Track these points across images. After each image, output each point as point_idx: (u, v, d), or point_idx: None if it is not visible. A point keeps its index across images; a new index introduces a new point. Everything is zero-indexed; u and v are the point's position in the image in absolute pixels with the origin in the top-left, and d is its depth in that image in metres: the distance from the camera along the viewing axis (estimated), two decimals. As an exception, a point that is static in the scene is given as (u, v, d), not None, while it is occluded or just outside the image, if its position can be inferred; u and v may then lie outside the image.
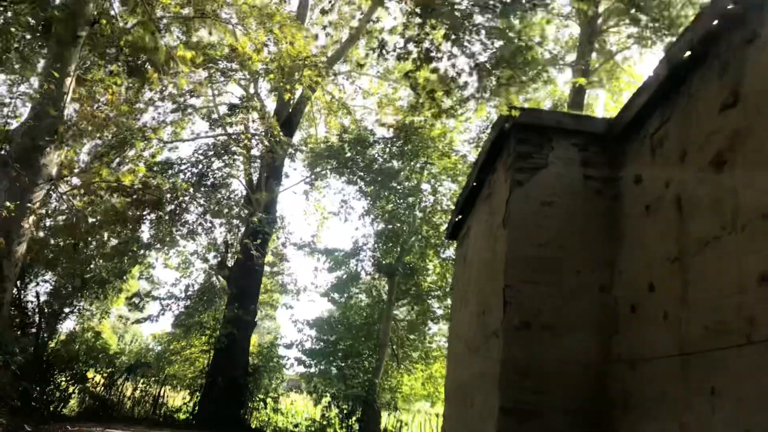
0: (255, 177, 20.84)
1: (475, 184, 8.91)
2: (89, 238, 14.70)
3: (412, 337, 22.97)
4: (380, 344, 21.31)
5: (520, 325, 6.33)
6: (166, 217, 16.17)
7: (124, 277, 17.38)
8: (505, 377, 6.20)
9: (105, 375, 16.63)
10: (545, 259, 6.53)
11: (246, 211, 19.48)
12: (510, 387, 6.17)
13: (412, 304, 22.94)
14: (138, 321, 19.55)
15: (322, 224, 24.54)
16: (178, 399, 19.02)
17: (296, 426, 19.41)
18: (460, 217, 10.68)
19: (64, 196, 12.30)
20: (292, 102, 21.58)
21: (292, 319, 22.13)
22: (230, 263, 20.62)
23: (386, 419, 19.34)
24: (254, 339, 21.68)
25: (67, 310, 16.12)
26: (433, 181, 22.65)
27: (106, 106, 11.54)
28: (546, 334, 6.27)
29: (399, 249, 21.69)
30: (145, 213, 14.62)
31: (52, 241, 14.91)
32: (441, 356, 23.28)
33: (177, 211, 17.41)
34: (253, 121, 17.43)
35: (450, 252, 22.59)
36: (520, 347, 6.25)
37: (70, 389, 15.50)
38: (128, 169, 13.26)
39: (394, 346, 22.43)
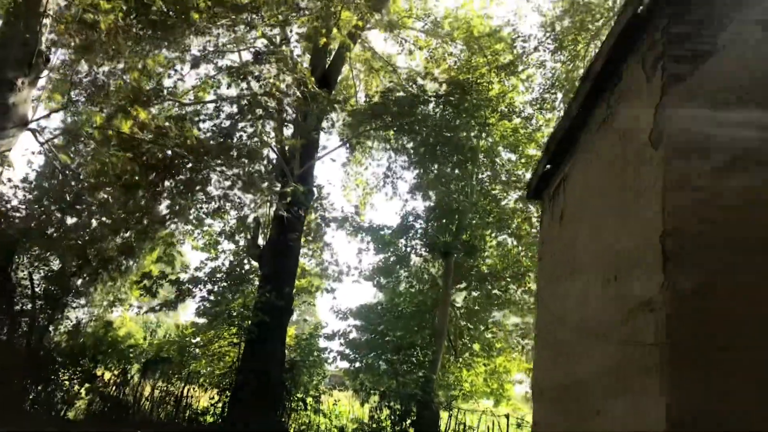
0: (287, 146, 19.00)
1: (578, 112, 6.90)
2: (83, 205, 13.01)
3: (471, 326, 20.92)
4: (436, 334, 19.38)
5: (694, 290, 4.33)
6: (181, 186, 14.41)
7: (136, 258, 15.75)
8: (670, 371, 4.22)
9: (117, 372, 15.09)
10: (729, 189, 4.51)
11: (278, 184, 17.70)
12: (679, 386, 4.21)
13: (472, 288, 20.89)
14: (152, 310, 18.00)
15: (364, 200, 22.63)
16: (204, 399, 17.44)
17: (341, 430, 17.66)
18: (548, 167, 8.67)
19: (45, 146, 10.65)
20: (328, 59, 19.71)
21: (334, 308, 19.42)
22: (262, 242, 18.93)
23: (446, 421, 17.42)
24: (291, 330, 19.97)
25: (70, 297, 14.56)
26: (492, 145, 20.50)
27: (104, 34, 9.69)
28: (735, 301, 4.28)
29: (455, 225, 19.65)
30: (156, 177, 12.77)
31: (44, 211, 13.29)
32: (507, 348, 21.26)
33: (197, 178, 15.68)
34: (283, 72, 15.54)
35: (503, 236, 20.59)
36: (694, 324, 4.27)
37: (76, 388, 13.97)
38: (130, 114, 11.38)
39: (451, 337, 20.45)
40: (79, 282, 14.43)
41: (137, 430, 13.66)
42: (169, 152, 12.74)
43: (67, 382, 14.07)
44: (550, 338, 7.96)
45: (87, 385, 14.37)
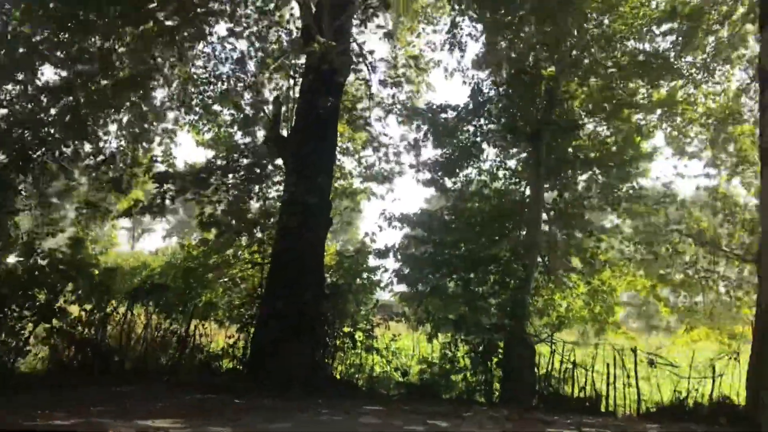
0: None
1: None
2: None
3: (569, 233, 16.17)
4: (526, 244, 14.78)
5: None
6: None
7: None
8: None
9: (91, 308, 10.93)
10: None
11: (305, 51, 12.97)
12: None
13: (571, 182, 16.06)
14: (127, 214, 13.60)
15: (418, 78, 17.65)
16: (221, 339, 13.31)
17: (405, 373, 13.38)
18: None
19: None
20: None
21: (385, 215, 14.62)
22: (285, 129, 14.36)
23: (547, 359, 13.00)
24: (332, 248, 15.57)
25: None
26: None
27: None
28: None
29: (547, 95, 14.71)
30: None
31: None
32: (615, 260, 16.55)
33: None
34: None
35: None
36: None
37: (29, 329, 9.87)
38: None
39: (543, 249, 15.79)
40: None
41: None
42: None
43: (15, 321, 9.89)
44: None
45: (45, 324, 10.18)
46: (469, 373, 13.28)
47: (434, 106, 16.48)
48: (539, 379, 13.30)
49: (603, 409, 12.72)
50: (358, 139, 16.66)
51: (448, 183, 17.06)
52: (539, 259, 16.28)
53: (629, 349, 12.81)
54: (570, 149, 15.78)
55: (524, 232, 15.75)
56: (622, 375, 12.83)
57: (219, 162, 14.62)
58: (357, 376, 13.61)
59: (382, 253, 14.92)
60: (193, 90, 15.31)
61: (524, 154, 16.42)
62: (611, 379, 12.76)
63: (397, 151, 17.03)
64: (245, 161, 14.48)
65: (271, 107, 14.97)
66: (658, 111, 17.06)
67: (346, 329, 13.83)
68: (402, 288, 15.63)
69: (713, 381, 12.33)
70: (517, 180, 16.76)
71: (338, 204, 16.85)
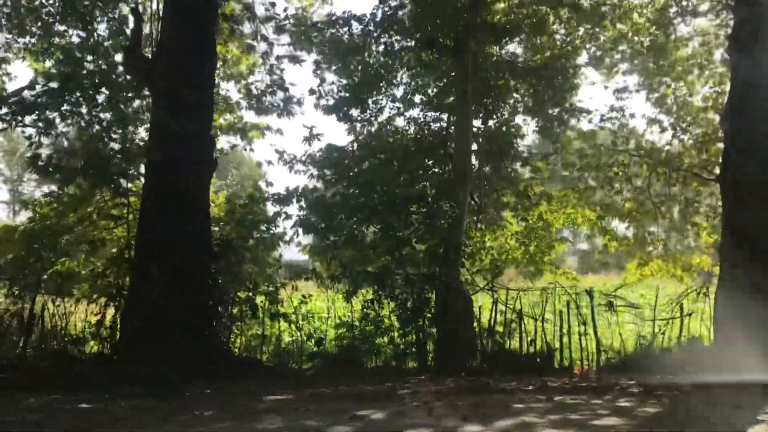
0: None
1: None
2: None
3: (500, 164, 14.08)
4: (456, 179, 12.59)
5: None
6: None
7: None
8: None
9: None
10: None
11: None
12: None
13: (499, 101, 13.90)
14: None
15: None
16: (79, 319, 10.50)
17: (319, 342, 11.03)
18: None
19: None
20: None
21: (284, 156, 11.90)
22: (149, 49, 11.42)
23: (489, 310, 11.01)
24: (219, 197, 12.85)
25: None
26: None
27: None
28: None
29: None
30: None
31: None
32: (553, 192, 14.69)
33: None
34: None
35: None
36: None
37: None
38: None
39: (471, 187, 13.65)
40: None
41: None
42: None
43: None
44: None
45: None
46: (397, 335, 11.09)
47: (334, 18, 13.81)
48: (480, 334, 11.31)
49: (557, 365, 10.90)
50: (244, 62, 13.73)
51: (356, 113, 14.54)
52: (472, 197, 14.22)
53: (584, 292, 10.97)
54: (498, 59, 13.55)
55: (451, 167, 13.53)
56: (577, 323, 11.01)
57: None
58: (262, 349, 11.14)
59: (282, 199, 12.29)
60: (25, 3, 12.04)
61: (445, 80, 14.09)
62: (565, 329, 10.92)
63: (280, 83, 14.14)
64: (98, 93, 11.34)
65: (132, 25, 11.97)
66: (581, 29, 15.03)
67: (242, 294, 11.27)
68: (309, 240, 13.16)
69: (681, 322, 10.69)
70: (439, 106, 14.46)
71: (226, 143, 14.06)
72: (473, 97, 13.53)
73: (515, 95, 14.59)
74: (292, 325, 11.14)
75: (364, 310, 11.20)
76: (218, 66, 13.12)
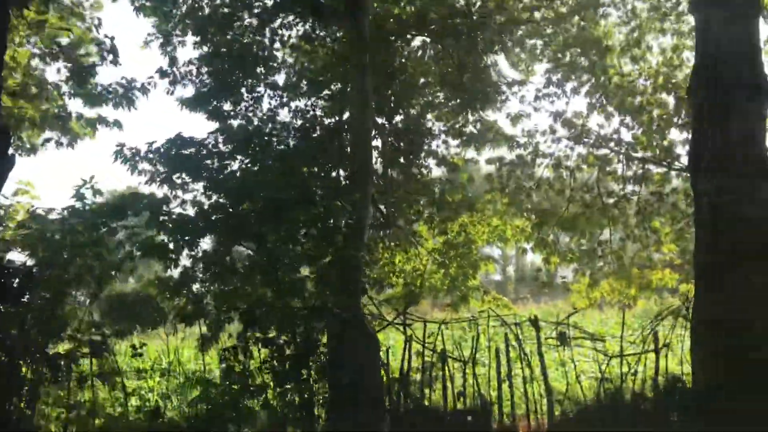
0: None
1: None
2: None
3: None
4: (353, 177, 9.63)
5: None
6: None
7: None
8: None
9: None
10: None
11: None
12: None
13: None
14: None
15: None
16: None
17: (157, 414, 7.67)
18: None
19: None
20: None
21: (123, 150, 8.31)
22: None
23: (401, 349, 8.04)
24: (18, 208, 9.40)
25: None
26: None
27: None
28: None
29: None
30: None
31: None
32: (476, 198, 11.89)
33: None
34: None
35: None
36: None
37: None
38: None
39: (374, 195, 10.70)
40: None
41: None
42: None
43: None
44: None
45: None
46: (272, 395, 7.85)
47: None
48: (390, 387, 8.24)
49: (496, 424, 7.95)
50: (67, 34, 10.29)
51: (228, 107, 11.36)
52: (372, 208, 11.26)
53: (528, 321, 8.11)
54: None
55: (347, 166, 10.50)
56: (520, 364, 8.13)
57: None
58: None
59: (115, 212, 8.87)
60: None
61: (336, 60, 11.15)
62: (504, 373, 8.02)
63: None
64: None
65: None
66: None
67: (62, 349, 7.84)
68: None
69: (657, 356, 7.97)
70: (329, 95, 11.48)
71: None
72: (373, 79, 10.70)
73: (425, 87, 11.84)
74: (113, 392, 7.69)
75: (226, 361, 7.93)
76: (34, 41, 9.77)
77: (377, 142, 11.30)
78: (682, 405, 7.65)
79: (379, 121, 11.87)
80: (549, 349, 8.82)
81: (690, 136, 9.16)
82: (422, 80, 12.04)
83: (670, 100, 11.39)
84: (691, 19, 10.86)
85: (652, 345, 8.03)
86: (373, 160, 11.68)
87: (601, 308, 17.11)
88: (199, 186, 9.39)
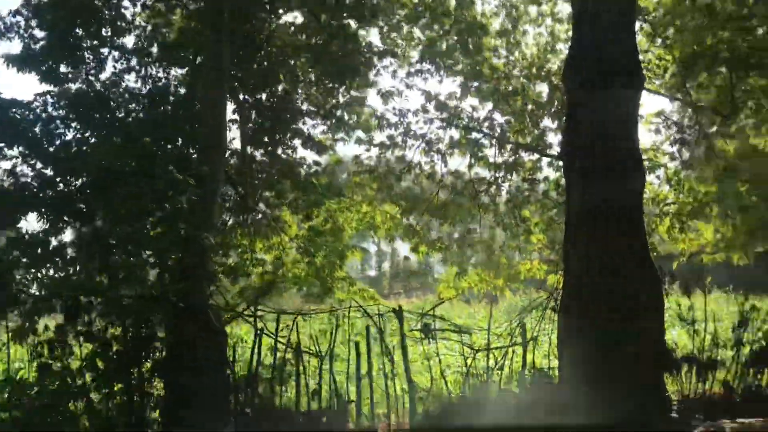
0: None
1: None
2: None
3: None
4: (203, 151, 8.59)
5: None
6: None
7: None
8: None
9: None
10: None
11: None
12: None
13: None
14: None
15: None
16: None
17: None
18: None
19: None
20: None
21: None
22: None
23: (251, 347, 7.17)
24: None
25: None
26: None
27: None
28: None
29: None
30: None
31: None
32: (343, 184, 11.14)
33: None
34: None
35: None
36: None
37: None
38: None
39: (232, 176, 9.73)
40: None
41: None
42: None
43: None
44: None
45: None
46: (97, 396, 6.75)
47: None
48: (238, 384, 7.33)
49: (353, 425, 7.23)
50: None
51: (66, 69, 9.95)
52: (231, 190, 10.28)
53: (391, 312, 7.44)
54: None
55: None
56: (382, 358, 7.46)
57: None
58: None
59: None
60: None
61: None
62: (364, 369, 7.33)
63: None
64: None
65: None
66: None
67: None
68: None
69: (524, 350, 7.54)
70: (183, 61, 10.34)
71: None
72: (236, 50, 9.71)
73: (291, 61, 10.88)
74: None
75: (36, 358, 6.73)
76: None
77: (237, 117, 10.30)
78: (548, 400, 7.29)
79: (242, 96, 10.89)
80: (414, 343, 8.25)
81: (563, 124, 8.85)
82: (291, 55, 11.12)
83: (545, 87, 11.18)
84: (567, 7, 10.68)
85: (520, 338, 7.61)
86: (234, 138, 10.74)
87: (469, 302, 16.91)
88: (17, 152, 8.09)
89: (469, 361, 7.47)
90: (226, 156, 9.81)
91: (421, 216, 11.22)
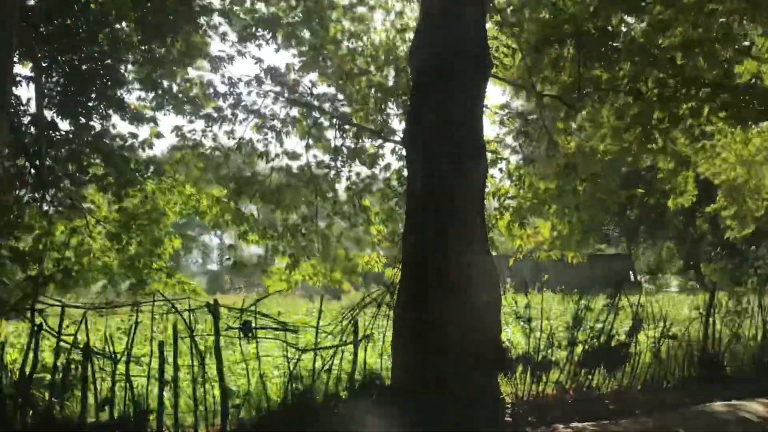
0: None
1: None
2: None
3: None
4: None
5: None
6: None
7: None
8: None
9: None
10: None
11: None
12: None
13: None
14: None
15: None
16: None
17: None
18: None
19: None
20: None
21: None
22: None
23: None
24: None
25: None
26: None
27: None
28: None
29: None
30: None
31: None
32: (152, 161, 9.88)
33: None
34: None
35: None
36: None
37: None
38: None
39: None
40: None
41: None
42: None
43: None
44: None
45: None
46: None
47: None
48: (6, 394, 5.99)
49: (158, 437, 6.13)
50: None
51: None
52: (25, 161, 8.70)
53: (204, 307, 6.39)
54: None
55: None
56: (192, 361, 6.41)
57: None
58: None
59: None
60: None
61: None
62: (169, 373, 6.26)
63: None
64: None
65: None
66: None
67: None
68: None
69: (355, 349, 6.81)
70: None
71: None
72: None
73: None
74: None
75: None
76: None
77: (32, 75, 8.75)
78: (379, 404, 6.63)
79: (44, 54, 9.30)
80: (233, 343, 7.28)
81: (407, 111, 8.30)
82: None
83: (390, 72, 10.57)
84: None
85: (352, 337, 6.87)
86: (33, 102, 9.16)
87: (311, 298, 16.11)
88: None
89: (292, 363, 6.62)
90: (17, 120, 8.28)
91: (251, 200, 10.19)
